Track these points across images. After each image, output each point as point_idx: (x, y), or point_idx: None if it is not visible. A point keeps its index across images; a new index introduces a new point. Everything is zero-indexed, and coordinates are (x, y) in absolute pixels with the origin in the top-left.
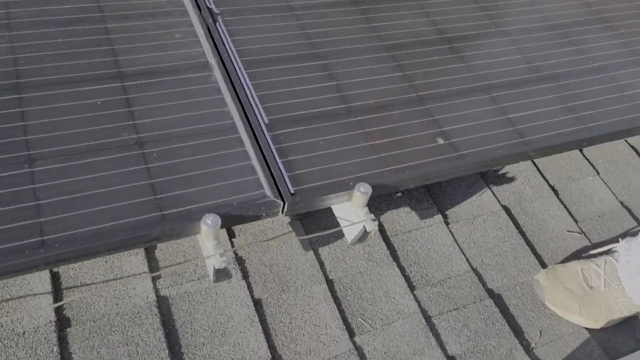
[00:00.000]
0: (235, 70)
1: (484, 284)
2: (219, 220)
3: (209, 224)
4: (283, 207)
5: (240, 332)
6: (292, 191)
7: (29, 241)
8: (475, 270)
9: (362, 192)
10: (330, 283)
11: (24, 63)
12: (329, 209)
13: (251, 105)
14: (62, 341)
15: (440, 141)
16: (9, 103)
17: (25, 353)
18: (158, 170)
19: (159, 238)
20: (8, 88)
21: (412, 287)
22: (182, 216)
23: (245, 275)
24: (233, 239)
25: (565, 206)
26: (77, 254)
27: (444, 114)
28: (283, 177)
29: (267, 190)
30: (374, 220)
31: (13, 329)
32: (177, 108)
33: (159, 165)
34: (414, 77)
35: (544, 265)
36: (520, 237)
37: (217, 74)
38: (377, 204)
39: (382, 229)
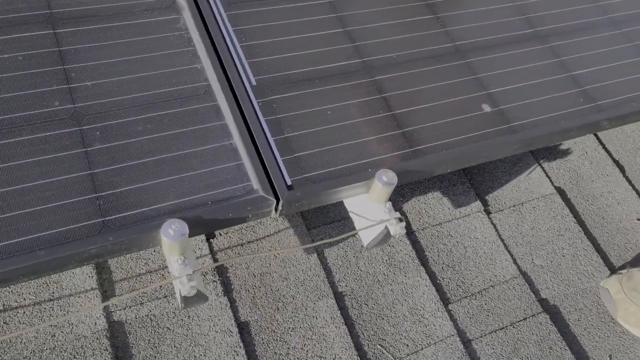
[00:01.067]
0: (212, 11)
1: (536, 292)
2: (185, 229)
3: (171, 235)
4: (277, 206)
5: None
6: (289, 183)
7: None
8: (524, 275)
9: (384, 183)
10: (339, 297)
11: None
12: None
13: (233, 61)
14: None
15: (487, 108)
16: None
17: None
18: (101, 155)
19: (100, 255)
20: None
21: (445, 301)
22: (132, 223)
23: (228, 290)
24: (211, 240)
25: (634, 187)
26: None
27: (490, 71)
28: (277, 163)
29: (255, 183)
30: (400, 220)
31: None
32: (132, 65)
33: (103, 149)
34: (449, 21)
35: (610, 267)
36: (580, 228)
37: (188, 16)
38: (399, 188)
39: (406, 222)
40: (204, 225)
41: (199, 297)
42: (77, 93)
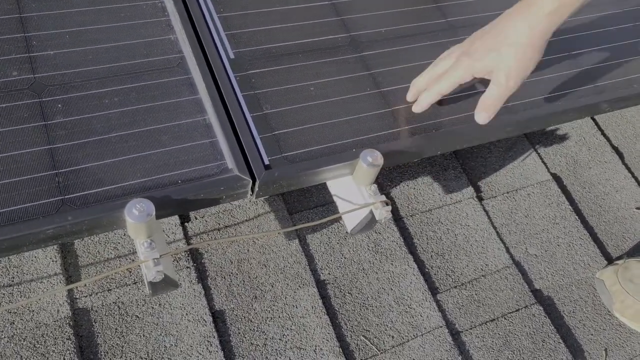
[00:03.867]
0: None
1: (529, 283)
2: (151, 209)
3: (136, 215)
4: (253, 186)
5: (196, 358)
6: (266, 162)
7: None
8: (517, 264)
9: (369, 164)
10: (321, 285)
11: None
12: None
13: (210, 32)
14: None
15: (481, 88)
16: None
17: None
18: (62, 129)
19: (58, 237)
20: None
21: (434, 290)
22: (93, 202)
23: (202, 277)
24: (186, 224)
25: (633, 174)
26: None
27: None
28: (254, 141)
29: (230, 162)
30: (386, 204)
31: None
32: (100, 35)
33: (64, 122)
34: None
35: (607, 257)
36: (576, 217)
37: None
38: (386, 172)
39: (393, 208)
40: (173, 206)
41: (168, 284)
42: (37, 62)
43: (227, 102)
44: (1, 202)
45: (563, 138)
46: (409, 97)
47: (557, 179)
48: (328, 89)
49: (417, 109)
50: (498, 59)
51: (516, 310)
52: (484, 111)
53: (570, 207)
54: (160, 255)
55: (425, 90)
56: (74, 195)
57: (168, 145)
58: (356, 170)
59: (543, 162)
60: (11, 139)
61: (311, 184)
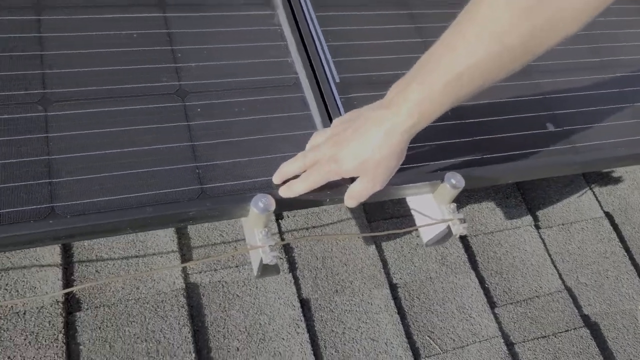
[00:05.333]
0: (303, 11)
1: (579, 308)
2: (272, 204)
3: (261, 207)
4: None
5: (283, 338)
6: None
7: (34, 207)
8: (569, 290)
9: (452, 185)
10: (393, 288)
11: None
12: None
13: (320, 58)
14: (70, 328)
15: (551, 127)
16: (26, 25)
17: (25, 339)
18: (201, 130)
19: (196, 218)
20: (26, 6)
21: (492, 304)
22: (226, 193)
23: (293, 268)
24: (280, 221)
25: None
26: (94, 230)
27: (556, 93)
28: None
29: None
30: (463, 221)
31: (11, 307)
32: (231, 52)
33: (203, 124)
34: None
35: None
36: (624, 253)
37: (281, 13)
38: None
39: None
40: (287, 204)
41: (274, 269)
42: (182, 72)
43: (333, 119)
44: (155, 186)
45: (617, 180)
46: (276, 179)
47: (609, 217)
48: None
49: (287, 193)
50: (363, 168)
51: (565, 331)
52: (352, 199)
53: (620, 244)
54: (275, 243)
55: (298, 179)
56: (210, 185)
57: (285, 152)
58: (438, 189)
59: (597, 200)
60: (162, 135)
61: (397, 197)
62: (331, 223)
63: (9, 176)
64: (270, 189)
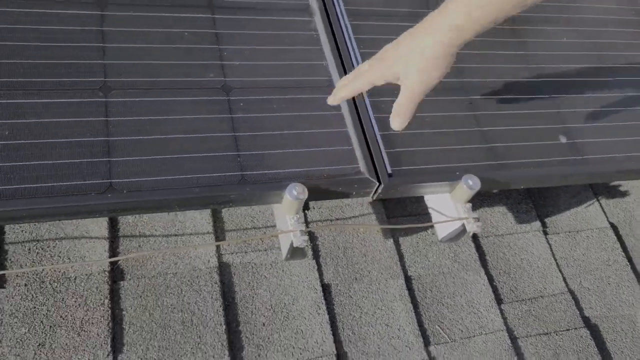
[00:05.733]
0: (339, 19)
1: (580, 310)
2: (305, 193)
3: (294, 195)
4: (376, 189)
5: (305, 318)
6: (389, 172)
7: (94, 182)
8: (572, 293)
9: (468, 186)
10: (408, 279)
11: None
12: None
13: (352, 63)
14: (115, 294)
15: (563, 140)
16: (90, 19)
17: (75, 301)
18: (243, 122)
19: (236, 201)
20: (90, 3)
21: (499, 300)
22: (263, 181)
23: (316, 255)
24: (306, 211)
25: None
26: (146, 205)
27: (570, 108)
28: (381, 153)
29: (362, 166)
30: (477, 220)
31: (64, 272)
32: (271, 54)
33: (245, 117)
34: (535, 60)
35: None
36: (627, 262)
37: (318, 20)
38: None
39: None
40: (318, 193)
41: (302, 252)
42: (227, 69)
43: (362, 120)
44: (201, 170)
45: (624, 194)
46: (330, 97)
47: (614, 227)
48: (440, 121)
49: (330, 100)
50: (405, 69)
51: (566, 330)
52: (397, 117)
53: (622, 253)
54: (305, 228)
55: (343, 85)
56: (250, 173)
57: (317, 147)
58: (456, 189)
59: (603, 211)
60: (208, 124)
61: (417, 194)
62: (353, 216)
63: (73, 153)
64: (301, 178)
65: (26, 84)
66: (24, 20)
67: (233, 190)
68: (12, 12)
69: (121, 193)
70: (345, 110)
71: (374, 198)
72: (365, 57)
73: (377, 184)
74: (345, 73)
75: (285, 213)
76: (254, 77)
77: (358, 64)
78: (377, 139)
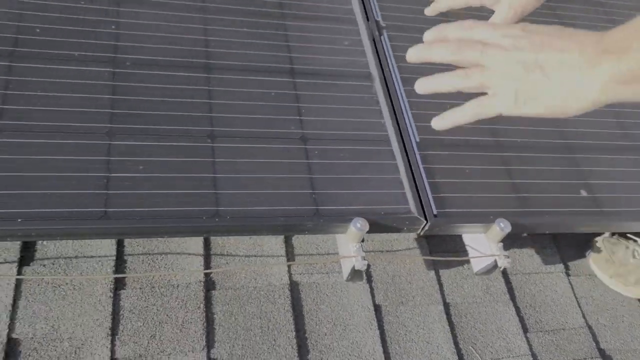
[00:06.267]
0: (395, 85)
1: (597, 342)
2: (367, 226)
3: (358, 227)
4: (423, 227)
5: (359, 331)
6: (435, 213)
7: (205, 208)
8: (589, 327)
9: (500, 228)
10: (446, 306)
11: (214, 46)
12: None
13: (405, 122)
14: (208, 301)
15: (584, 193)
16: (199, 80)
17: (177, 304)
18: (317, 167)
19: (311, 230)
20: (199, 66)
21: (525, 329)
22: (333, 215)
23: (370, 280)
24: (362, 243)
25: None
26: (246, 229)
27: (591, 167)
28: (428, 197)
29: (412, 207)
30: (507, 257)
31: (169, 280)
32: (339, 112)
33: (318, 163)
34: (564, 124)
35: None
36: (639, 305)
37: (378, 86)
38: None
39: None
40: (375, 226)
41: (360, 275)
42: (304, 123)
43: (413, 169)
44: (280, 203)
45: None
46: (428, 9)
47: None
48: (477, 173)
49: (428, 11)
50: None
51: (584, 359)
52: (502, 11)
53: (637, 299)
54: (365, 254)
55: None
56: (322, 207)
57: (376, 189)
58: (490, 230)
59: None
60: (289, 167)
61: (457, 233)
62: (400, 250)
63: (188, 186)
64: (364, 214)
65: (155, 130)
66: (154, 80)
67: (309, 221)
68: (152, 75)
69: (225, 218)
70: (399, 160)
71: (421, 234)
72: (416, 117)
73: (425, 222)
74: (400, 130)
75: (349, 242)
76: (325, 130)
77: (410, 122)
78: (425, 185)
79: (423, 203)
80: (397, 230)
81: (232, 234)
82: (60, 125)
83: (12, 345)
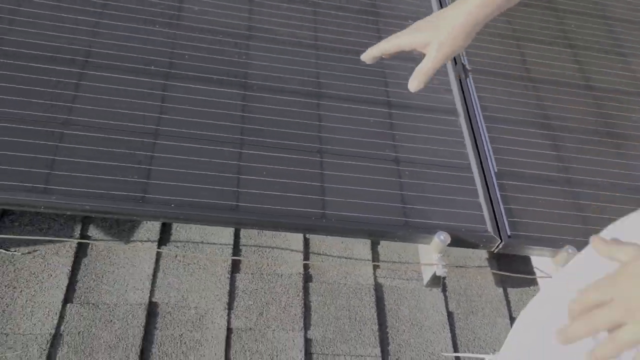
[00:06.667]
0: (477, 121)
1: None
2: (449, 239)
3: (441, 239)
4: (498, 245)
5: (433, 332)
6: (509, 234)
7: (314, 210)
8: None
9: (568, 254)
10: (512, 319)
11: (324, 78)
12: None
13: (485, 153)
14: (306, 291)
15: None
16: (311, 106)
17: (281, 289)
18: (407, 185)
19: (400, 238)
20: (312, 95)
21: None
22: (420, 227)
23: (444, 289)
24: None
25: None
26: (348, 231)
27: None
28: (503, 220)
29: (489, 227)
30: None
31: (275, 270)
32: (428, 140)
33: (409, 182)
34: (634, 167)
35: None
36: None
37: (462, 120)
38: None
39: None
40: (456, 240)
41: (439, 282)
42: (398, 148)
43: (490, 195)
44: (382, 212)
45: None
46: (363, 54)
47: None
48: (548, 203)
49: (363, 56)
50: (435, 34)
51: None
52: (416, 80)
53: None
54: (446, 264)
55: (376, 45)
56: (411, 219)
57: (458, 209)
58: (558, 255)
59: None
60: (383, 185)
61: (527, 254)
62: (473, 266)
63: (300, 191)
64: (446, 229)
65: (275, 144)
66: (276, 102)
67: (400, 230)
68: (274, 98)
69: (331, 220)
70: (479, 186)
71: (494, 251)
72: (495, 150)
73: (499, 241)
74: (480, 160)
75: (432, 252)
76: (415, 155)
77: (490, 153)
78: (500, 209)
79: (499, 224)
80: (474, 246)
81: (335, 234)
82: (203, 134)
83: (152, 307)
